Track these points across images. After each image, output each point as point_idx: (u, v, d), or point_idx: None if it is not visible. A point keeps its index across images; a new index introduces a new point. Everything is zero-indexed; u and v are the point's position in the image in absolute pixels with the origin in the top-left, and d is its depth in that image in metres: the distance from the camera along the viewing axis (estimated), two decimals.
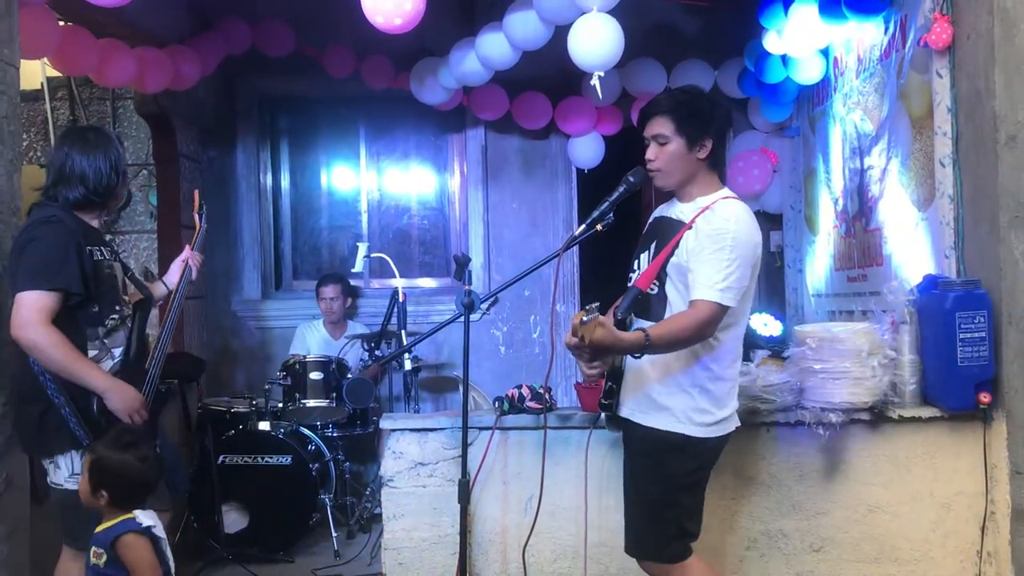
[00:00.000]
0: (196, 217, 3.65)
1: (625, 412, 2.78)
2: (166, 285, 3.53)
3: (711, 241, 2.59)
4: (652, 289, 2.69)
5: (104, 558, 2.56)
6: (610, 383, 2.80)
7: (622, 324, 2.72)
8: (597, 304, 2.34)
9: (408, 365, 4.70)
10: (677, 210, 2.79)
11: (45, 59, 4.47)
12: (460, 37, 4.93)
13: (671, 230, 2.72)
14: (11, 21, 3.20)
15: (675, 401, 2.67)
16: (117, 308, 3.04)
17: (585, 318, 2.31)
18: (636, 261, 2.85)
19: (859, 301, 4.58)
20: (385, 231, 6.44)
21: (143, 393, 3.02)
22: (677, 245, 2.66)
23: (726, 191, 2.77)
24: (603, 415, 2.93)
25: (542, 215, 6.21)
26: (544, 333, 6.18)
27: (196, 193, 3.70)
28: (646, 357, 2.61)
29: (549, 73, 5.44)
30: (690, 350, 2.64)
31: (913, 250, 3.95)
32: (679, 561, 2.74)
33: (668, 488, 2.71)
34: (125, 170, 3.11)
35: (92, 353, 2.95)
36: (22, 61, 3.31)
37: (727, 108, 2.90)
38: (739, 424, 2.83)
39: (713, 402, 2.68)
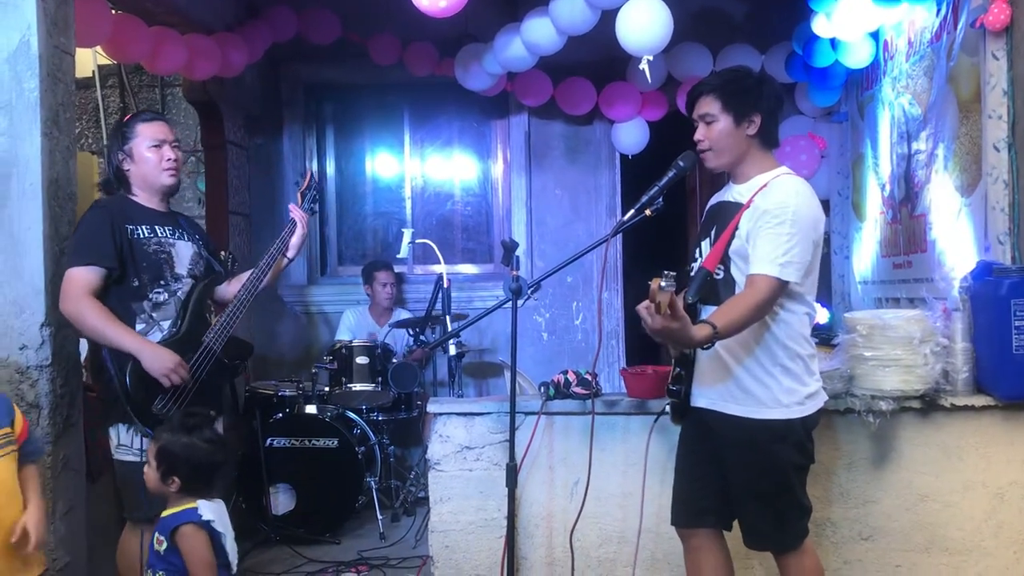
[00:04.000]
0: (299, 197, 3.60)
1: (705, 402, 2.73)
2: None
3: (771, 216, 2.54)
4: (718, 273, 2.65)
5: (164, 545, 2.59)
6: (679, 369, 2.76)
7: (692, 308, 2.70)
8: (674, 274, 2.20)
9: (452, 350, 4.73)
10: (734, 192, 2.74)
11: (97, 47, 4.54)
12: (504, 23, 4.92)
13: (729, 214, 2.68)
14: (67, 9, 3.27)
15: (761, 386, 2.62)
16: (162, 283, 3.12)
17: (663, 284, 2.18)
18: (697, 250, 2.81)
19: (904, 288, 4.53)
20: (428, 217, 6.47)
21: (195, 362, 3.08)
22: (737, 227, 2.62)
23: (784, 168, 2.73)
24: (666, 406, 2.90)
25: (585, 201, 6.19)
26: (586, 320, 6.18)
27: (308, 173, 3.76)
28: (720, 343, 2.58)
29: (593, 58, 5.42)
30: (767, 331, 2.61)
31: (956, 236, 3.89)
32: (804, 539, 2.72)
33: (781, 478, 2.65)
34: (131, 151, 3.15)
35: (140, 327, 3.06)
36: (76, 49, 3.38)
37: (775, 85, 2.83)
38: (827, 399, 2.78)
39: (796, 380, 2.63)
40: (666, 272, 2.20)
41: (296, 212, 3.47)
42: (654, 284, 2.21)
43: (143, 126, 3.18)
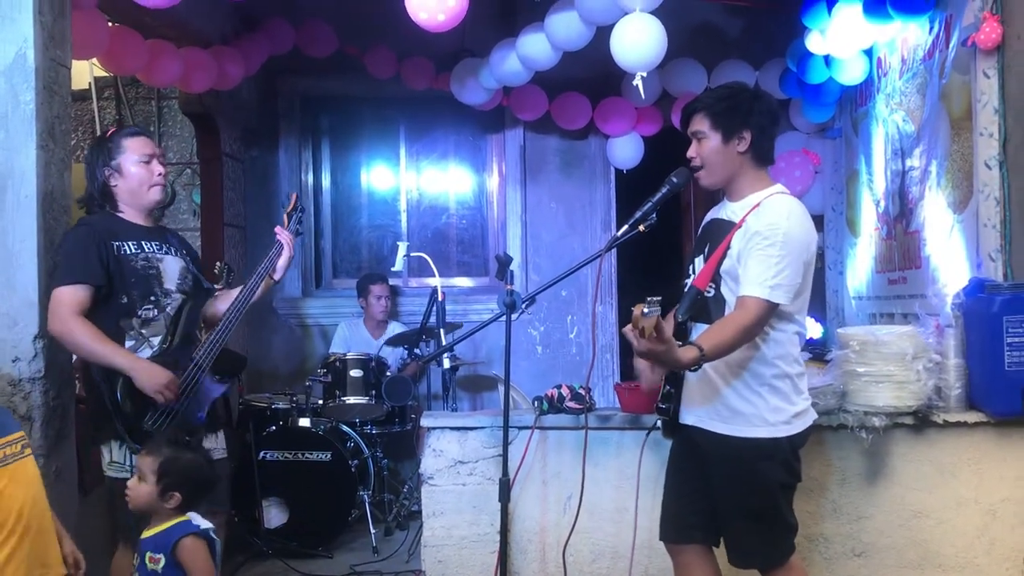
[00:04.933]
0: (286, 218, 3.59)
1: (692, 420, 2.72)
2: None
3: (762, 237, 2.54)
4: (709, 291, 2.66)
5: (162, 562, 2.54)
6: (668, 387, 2.76)
7: (682, 326, 2.70)
8: (659, 299, 2.21)
9: (447, 363, 4.73)
10: (728, 210, 2.75)
11: (94, 59, 4.55)
12: (500, 39, 4.95)
13: (722, 232, 2.68)
14: (64, 23, 3.28)
15: (748, 404, 2.62)
16: (152, 299, 3.09)
17: (646, 310, 2.20)
18: (691, 266, 2.81)
19: (899, 304, 4.54)
20: (424, 230, 6.48)
21: (185, 379, 3.05)
22: (729, 246, 2.62)
23: (778, 187, 2.72)
24: (658, 421, 2.90)
25: (580, 216, 6.21)
26: (580, 333, 6.19)
27: (294, 196, 3.71)
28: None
29: (589, 73, 5.44)
30: (755, 350, 2.60)
31: (949, 253, 3.91)
32: (789, 556, 2.71)
33: (767, 496, 2.64)
34: (119, 166, 3.12)
35: (129, 343, 3.03)
36: (72, 61, 3.39)
37: (770, 102, 2.82)
38: (817, 417, 2.77)
39: (783, 398, 2.63)
40: (649, 299, 2.21)
41: (283, 235, 3.46)
42: (636, 310, 2.22)
43: (130, 141, 3.15)
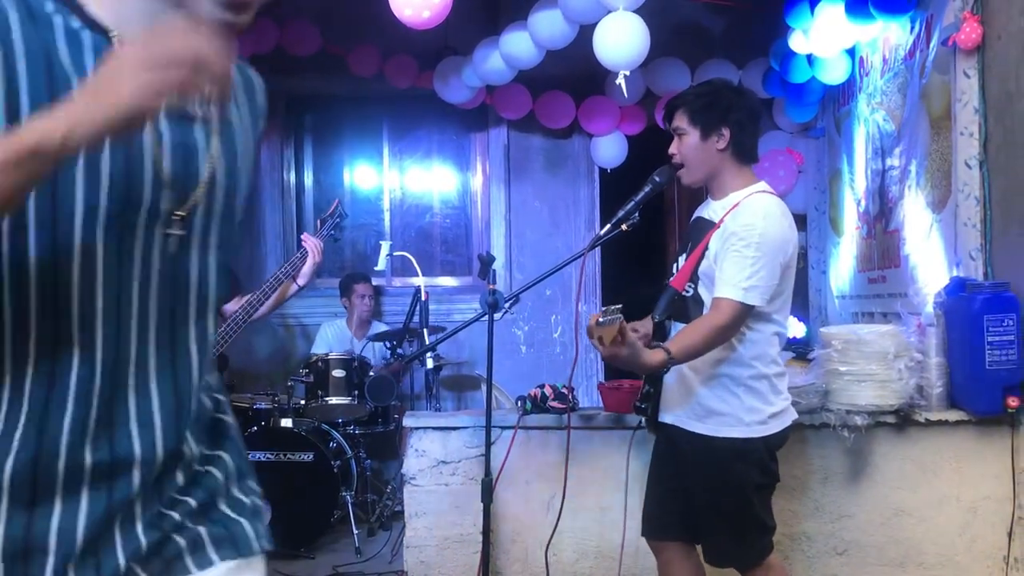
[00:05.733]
0: (318, 223, 3.58)
1: (670, 419, 2.72)
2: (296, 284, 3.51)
3: (737, 238, 2.53)
4: (687, 291, 2.65)
5: None
6: (648, 386, 2.76)
7: (660, 327, 2.70)
8: (619, 306, 2.21)
9: (430, 363, 4.71)
10: (710, 209, 2.74)
11: None
12: (484, 37, 4.93)
13: (702, 231, 2.68)
14: None
15: (723, 404, 2.61)
16: None
17: (602, 319, 2.19)
18: (675, 264, 2.81)
19: (879, 303, 4.56)
20: (407, 230, 6.46)
21: None
22: (707, 246, 2.62)
23: (760, 185, 2.70)
24: (642, 419, 2.89)
25: (564, 215, 6.20)
26: (565, 333, 6.18)
27: (335, 202, 3.71)
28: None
29: (572, 72, 5.43)
30: (732, 350, 2.59)
31: (928, 252, 3.93)
32: (766, 556, 2.70)
33: (741, 495, 2.63)
34: None
35: None
36: None
37: (751, 99, 2.81)
38: (796, 417, 2.75)
39: (759, 398, 2.61)
40: (605, 308, 2.21)
41: (309, 242, 3.45)
42: (592, 320, 2.21)
43: None
